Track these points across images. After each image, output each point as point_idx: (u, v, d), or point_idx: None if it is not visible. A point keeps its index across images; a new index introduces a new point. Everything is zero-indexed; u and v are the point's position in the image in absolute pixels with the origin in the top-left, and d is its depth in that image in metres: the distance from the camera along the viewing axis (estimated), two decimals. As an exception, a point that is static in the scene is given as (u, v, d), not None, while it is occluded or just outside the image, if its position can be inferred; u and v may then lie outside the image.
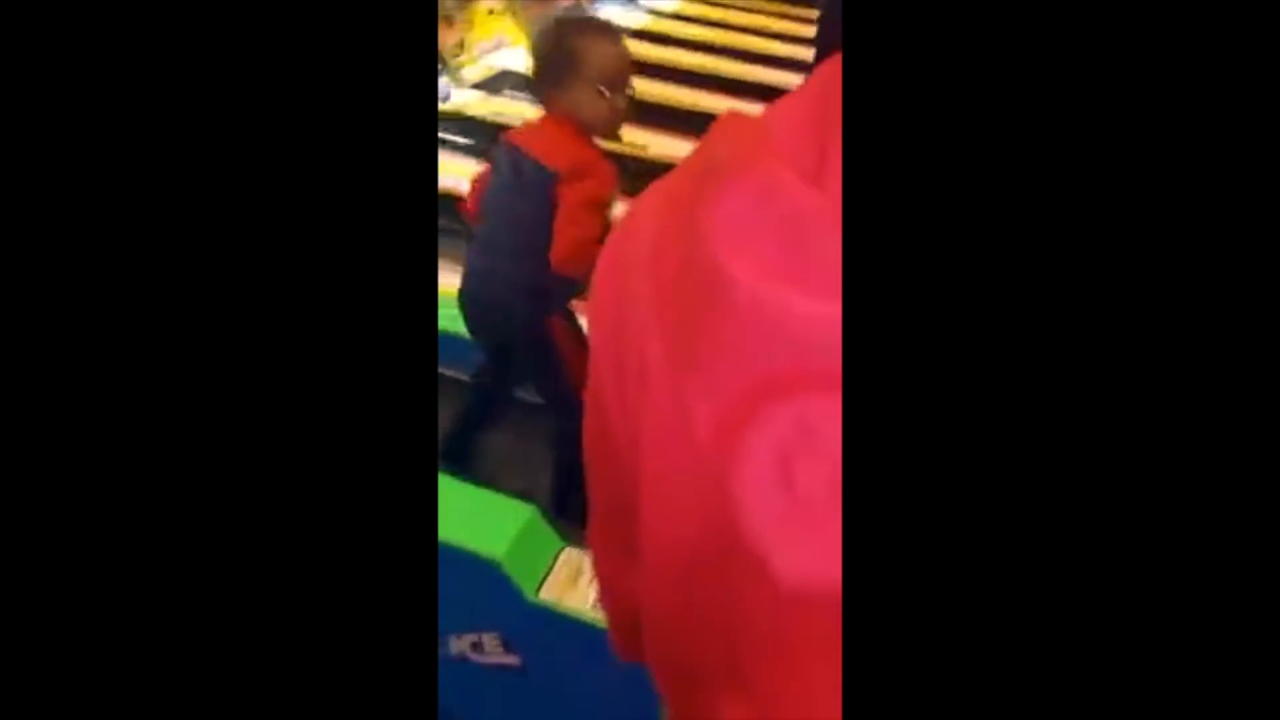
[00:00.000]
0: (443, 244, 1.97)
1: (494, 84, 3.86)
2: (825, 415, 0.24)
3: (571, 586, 1.36)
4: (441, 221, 2.27)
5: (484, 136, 3.39)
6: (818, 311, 0.24)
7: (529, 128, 1.64)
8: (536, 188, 1.48)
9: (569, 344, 1.62)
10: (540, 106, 1.62)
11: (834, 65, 0.30)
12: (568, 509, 1.69)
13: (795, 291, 0.25)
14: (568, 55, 1.53)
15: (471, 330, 1.68)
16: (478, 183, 1.64)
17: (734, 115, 0.34)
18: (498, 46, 4.10)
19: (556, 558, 1.37)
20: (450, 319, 2.02)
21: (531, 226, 1.48)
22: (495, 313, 1.61)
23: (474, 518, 1.36)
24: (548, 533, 1.39)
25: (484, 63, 3.95)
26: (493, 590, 1.31)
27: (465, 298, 1.63)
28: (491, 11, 4.19)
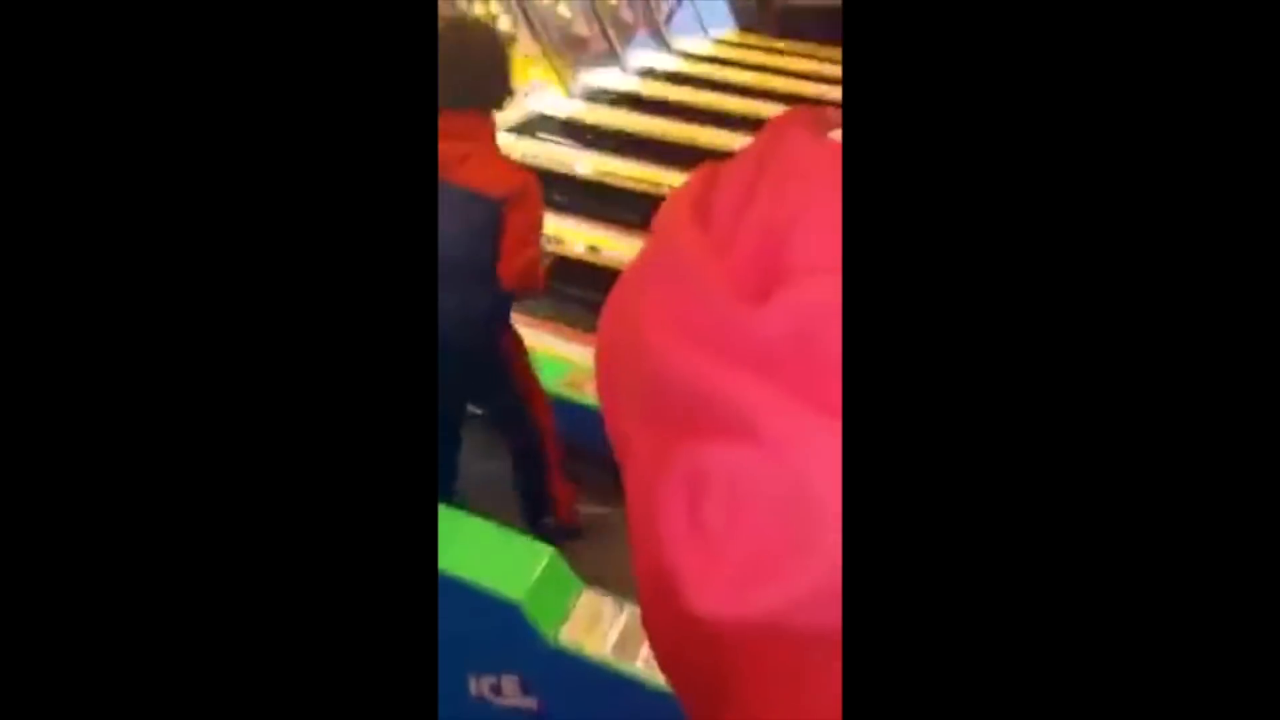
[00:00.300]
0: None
1: (528, 127, 3.95)
2: (722, 463, 0.26)
3: (591, 631, 1.35)
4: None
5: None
6: (711, 371, 0.27)
7: (456, 157, 1.49)
8: (482, 217, 1.49)
9: (519, 358, 1.68)
10: (461, 119, 1.51)
11: (778, 125, 0.32)
12: (540, 526, 1.71)
13: (694, 350, 0.27)
14: (501, 67, 1.53)
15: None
16: None
17: (708, 167, 0.35)
18: (532, 91, 4.21)
19: (576, 600, 1.37)
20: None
21: (480, 253, 1.51)
22: (454, 342, 1.58)
23: (495, 557, 1.37)
24: (567, 575, 1.40)
25: (519, 106, 4.06)
26: (513, 632, 1.31)
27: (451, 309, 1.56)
28: (528, 58, 4.30)
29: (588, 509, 1.86)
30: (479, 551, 1.37)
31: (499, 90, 1.55)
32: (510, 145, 3.67)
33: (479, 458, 2.05)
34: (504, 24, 4.23)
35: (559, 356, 2.21)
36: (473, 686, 1.38)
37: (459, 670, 1.38)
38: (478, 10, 4.11)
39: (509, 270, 1.52)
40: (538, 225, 1.56)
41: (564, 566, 1.39)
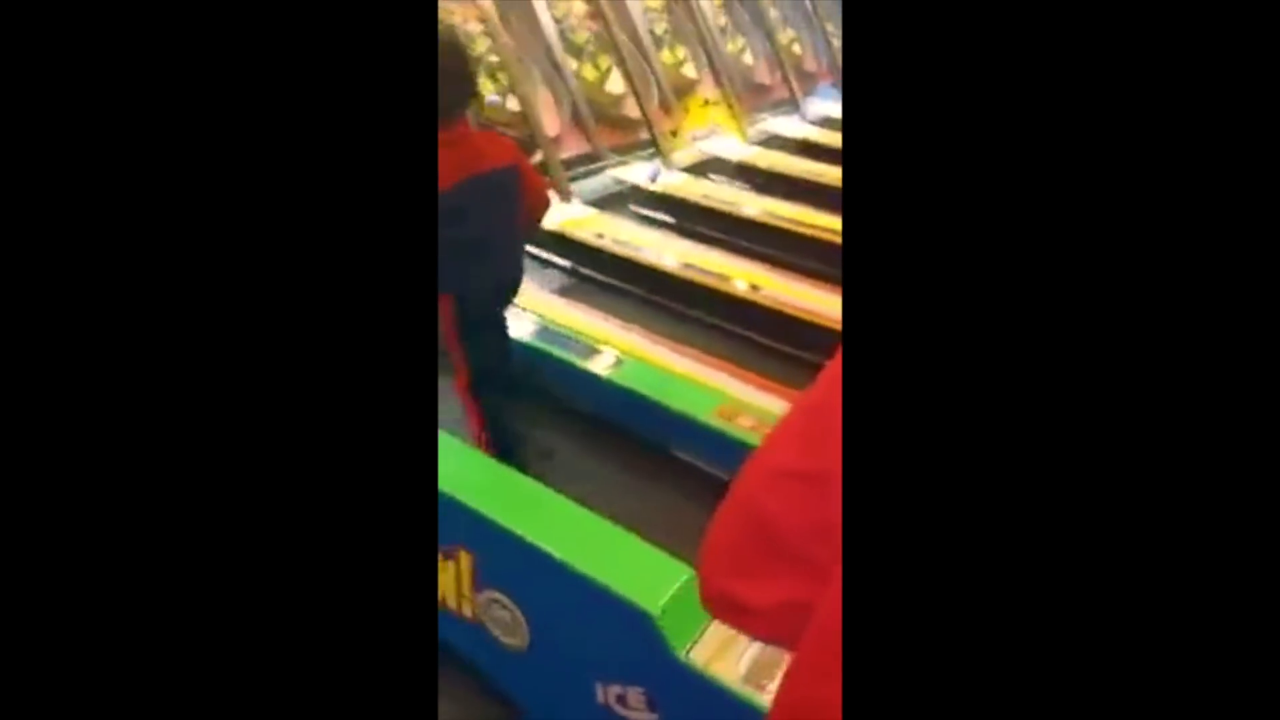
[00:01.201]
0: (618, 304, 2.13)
1: (701, 168, 4.05)
2: None
3: (722, 656, 1.34)
4: (617, 282, 2.44)
5: (688, 217, 3.55)
6: None
7: (470, 155, 1.77)
8: (512, 185, 1.85)
9: None
10: (455, 124, 1.78)
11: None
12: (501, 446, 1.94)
13: None
14: (468, 72, 1.85)
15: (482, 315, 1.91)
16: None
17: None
18: (710, 134, 4.32)
19: (710, 623, 1.36)
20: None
21: (517, 217, 1.89)
22: (509, 275, 1.94)
23: (634, 568, 1.39)
24: (704, 598, 1.39)
25: (695, 148, 4.17)
26: (644, 644, 1.32)
27: (485, 286, 1.87)
28: (707, 102, 4.43)
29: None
30: (618, 560, 1.40)
31: (470, 93, 1.87)
32: (682, 185, 3.77)
33: (587, 456, 2.12)
34: (689, 70, 4.39)
35: (714, 388, 2.23)
36: (599, 694, 1.39)
37: (588, 675, 1.41)
38: (666, 59, 4.28)
39: (540, 206, 1.95)
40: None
41: (701, 588, 1.38)
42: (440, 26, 2.03)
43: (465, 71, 1.79)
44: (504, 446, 1.95)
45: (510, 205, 1.86)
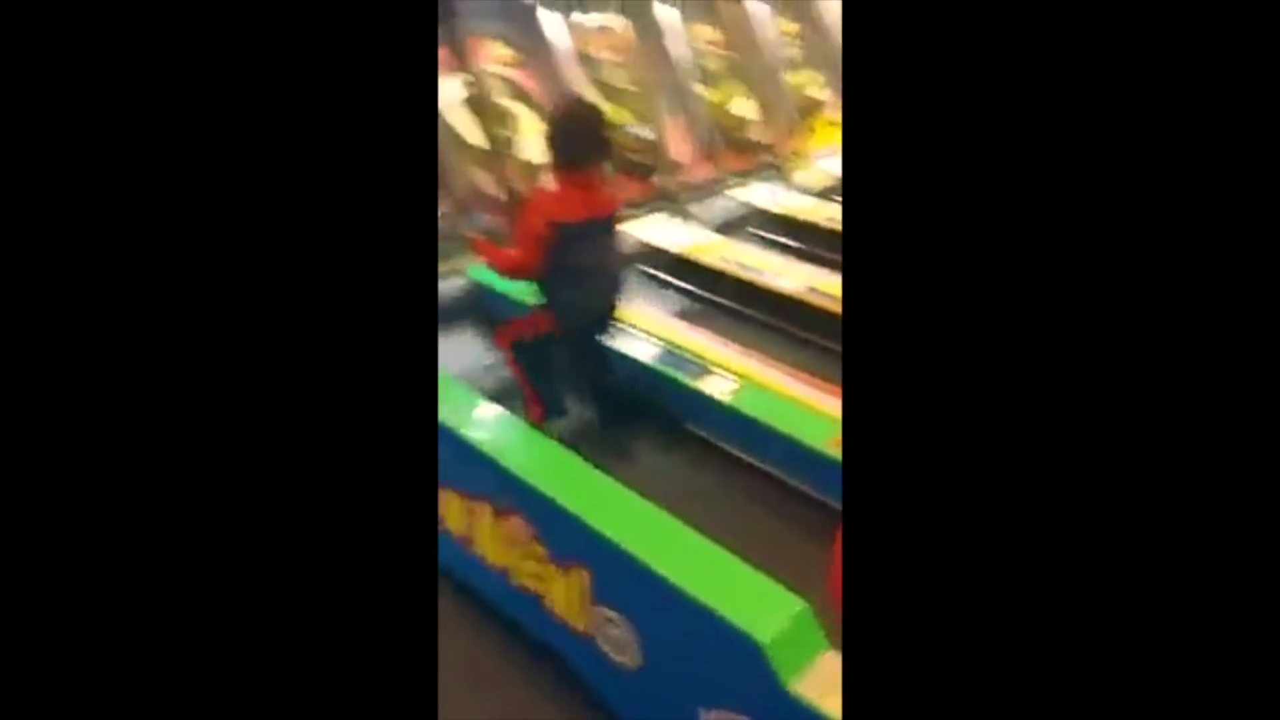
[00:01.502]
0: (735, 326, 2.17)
1: (827, 191, 4.01)
2: None
3: (832, 691, 1.33)
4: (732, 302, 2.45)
5: (811, 239, 3.53)
6: None
7: (602, 201, 2.19)
8: (613, 227, 2.27)
9: None
10: (588, 173, 2.16)
11: None
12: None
13: None
14: (603, 133, 2.18)
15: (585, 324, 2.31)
16: (538, 256, 2.13)
17: None
18: (834, 154, 4.27)
19: (819, 657, 1.36)
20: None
21: (618, 249, 2.31)
22: (612, 299, 2.30)
23: (748, 598, 1.40)
24: (816, 632, 1.39)
25: (818, 168, 4.13)
26: (752, 674, 1.34)
27: (596, 299, 2.27)
28: (834, 122, 4.38)
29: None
30: (731, 588, 1.42)
31: (606, 149, 2.24)
32: (803, 208, 3.75)
33: (692, 471, 2.15)
34: (815, 92, 4.35)
35: (830, 415, 2.21)
36: (704, 719, 1.41)
37: (695, 699, 1.43)
38: (793, 80, 4.28)
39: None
40: None
41: (814, 622, 1.38)
42: (587, 100, 2.61)
43: (601, 134, 2.18)
44: (550, 405, 2.31)
45: (615, 245, 2.28)
